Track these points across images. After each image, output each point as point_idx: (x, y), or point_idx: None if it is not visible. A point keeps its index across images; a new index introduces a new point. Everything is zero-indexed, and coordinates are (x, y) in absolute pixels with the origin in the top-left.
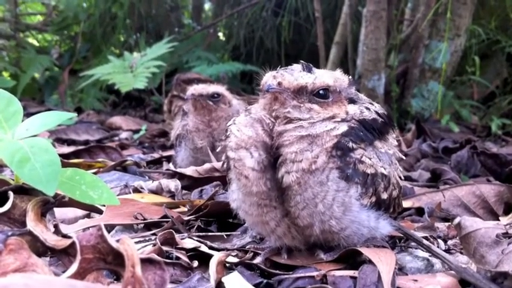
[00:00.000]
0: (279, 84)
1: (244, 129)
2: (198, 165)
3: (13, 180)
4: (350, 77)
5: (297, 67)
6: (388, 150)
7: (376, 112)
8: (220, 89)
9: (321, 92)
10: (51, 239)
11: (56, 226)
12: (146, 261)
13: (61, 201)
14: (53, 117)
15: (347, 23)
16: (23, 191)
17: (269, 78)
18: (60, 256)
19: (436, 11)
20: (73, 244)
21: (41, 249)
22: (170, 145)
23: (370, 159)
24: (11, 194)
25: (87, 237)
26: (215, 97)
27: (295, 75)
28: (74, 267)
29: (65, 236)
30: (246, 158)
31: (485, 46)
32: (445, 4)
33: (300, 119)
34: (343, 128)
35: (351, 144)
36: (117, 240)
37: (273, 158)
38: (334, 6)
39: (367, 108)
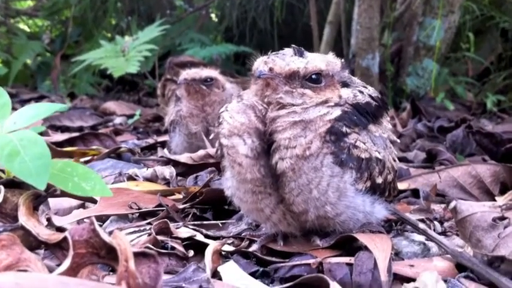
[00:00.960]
0: (271, 70)
1: (236, 115)
2: (192, 151)
3: (4, 173)
4: (344, 56)
5: (288, 51)
6: (383, 134)
7: (370, 95)
8: (213, 72)
9: (313, 76)
10: (43, 233)
11: (49, 219)
12: (140, 255)
13: (53, 194)
14: (42, 109)
15: (340, 2)
16: (14, 184)
17: (260, 64)
18: (54, 250)
19: None
20: (66, 238)
21: (33, 243)
22: (164, 130)
23: (364, 143)
24: (1, 188)
25: (80, 231)
26: (208, 81)
27: (286, 60)
28: (66, 263)
29: (59, 229)
30: (239, 145)
31: (479, 22)
32: None
33: (293, 105)
34: (337, 112)
35: (344, 129)
36: (110, 234)
37: (266, 144)
38: None
39: (361, 92)
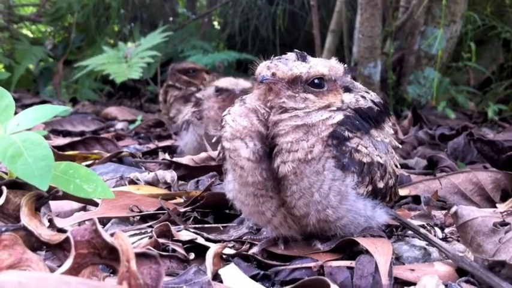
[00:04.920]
0: (273, 74)
1: (239, 119)
2: (200, 152)
3: (6, 175)
4: (346, 65)
5: (291, 56)
6: (384, 139)
7: (372, 100)
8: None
9: (315, 81)
10: (45, 233)
11: (50, 220)
12: (141, 256)
13: (55, 195)
14: (46, 111)
15: (342, 11)
16: (17, 185)
17: (263, 69)
18: (55, 251)
19: None
20: (67, 239)
21: (35, 244)
22: (166, 135)
23: (366, 148)
24: (4, 189)
25: (82, 232)
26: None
27: (289, 65)
28: (68, 263)
29: (60, 230)
30: (241, 148)
31: (481, 32)
32: None
33: (296, 109)
34: (339, 117)
35: (346, 133)
36: (112, 235)
37: (268, 148)
38: None
39: (363, 97)
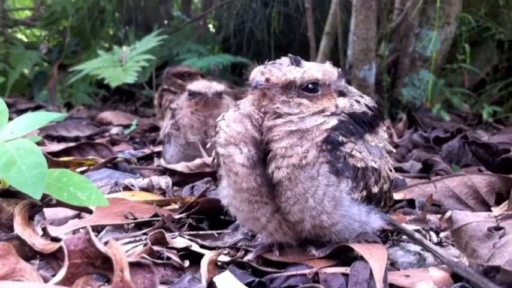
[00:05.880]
0: (267, 80)
1: (233, 124)
2: (188, 161)
3: (0, 183)
4: (340, 67)
5: (285, 61)
6: (379, 144)
7: (366, 105)
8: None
9: (310, 86)
10: (39, 243)
11: (44, 229)
12: (135, 265)
13: (49, 204)
14: (39, 118)
15: (337, 13)
16: (10, 194)
17: (257, 74)
18: (49, 260)
19: None
20: (61, 248)
21: (29, 253)
22: (159, 141)
23: (360, 152)
24: None
25: (75, 241)
26: (221, 94)
27: (283, 70)
28: (61, 273)
29: (54, 239)
30: (235, 154)
31: (476, 33)
32: None
33: (290, 114)
34: (333, 121)
35: (340, 138)
36: (106, 243)
37: (262, 153)
38: None
39: (357, 101)
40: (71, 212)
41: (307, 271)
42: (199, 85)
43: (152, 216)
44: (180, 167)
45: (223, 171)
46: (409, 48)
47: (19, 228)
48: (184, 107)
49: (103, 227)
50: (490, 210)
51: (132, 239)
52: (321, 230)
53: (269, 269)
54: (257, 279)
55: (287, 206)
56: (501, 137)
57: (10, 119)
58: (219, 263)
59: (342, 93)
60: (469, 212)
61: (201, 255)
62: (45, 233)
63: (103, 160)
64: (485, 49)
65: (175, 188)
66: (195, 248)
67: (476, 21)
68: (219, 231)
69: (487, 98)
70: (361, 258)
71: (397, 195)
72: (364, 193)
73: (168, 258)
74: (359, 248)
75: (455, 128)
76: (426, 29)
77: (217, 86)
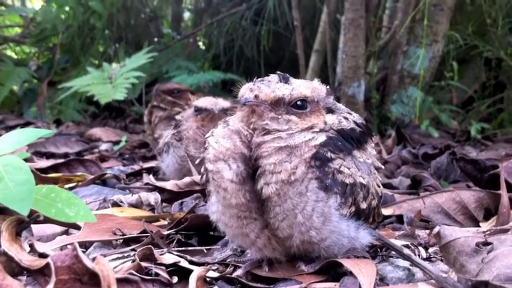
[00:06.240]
0: (256, 97)
1: (222, 140)
2: (183, 174)
3: None
4: (329, 85)
5: (273, 78)
6: (367, 160)
7: (355, 122)
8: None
9: (298, 103)
10: (26, 259)
11: (31, 245)
12: (123, 281)
13: (36, 220)
14: (28, 134)
15: (326, 31)
16: None
17: (246, 91)
18: (36, 276)
19: (413, 17)
20: (48, 265)
21: (16, 269)
22: (151, 156)
23: (348, 169)
24: None
25: (62, 257)
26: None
27: (272, 87)
28: None
29: (41, 255)
30: (224, 170)
31: (463, 51)
32: (422, 11)
33: (279, 130)
34: (322, 138)
35: (329, 154)
36: (93, 259)
37: (251, 169)
38: (313, 15)
39: (346, 118)
40: (59, 229)
41: (296, 286)
42: (205, 101)
43: (141, 232)
44: (170, 185)
45: (212, 187)
46: (397, 65)
47: (6, 244)
48: (191, 121)
49: (91, 243)
50: (479, 226)
51: (120, 255)
52: (310, 245)
53: (258, 285)
54: None
55: (276, 221)
56: (489, 153)
57: None
58: (208, 279)
59: (330, 110)
60: (457, 227)
61: (190, 271)
62: (33, 249)
63: (92, 176)
64: (473, 67)
65: (164, 204)
66: (184, 263)
67: (464, 40)
68: (208, 247)
69: (475, 115)
70: (350, 273)
71: (386, 211)
72: (353, 209)
73: (157, 274)
74: (348, 264)
75: (443, 144)
76: (414, 46)
77: (224, 103)
